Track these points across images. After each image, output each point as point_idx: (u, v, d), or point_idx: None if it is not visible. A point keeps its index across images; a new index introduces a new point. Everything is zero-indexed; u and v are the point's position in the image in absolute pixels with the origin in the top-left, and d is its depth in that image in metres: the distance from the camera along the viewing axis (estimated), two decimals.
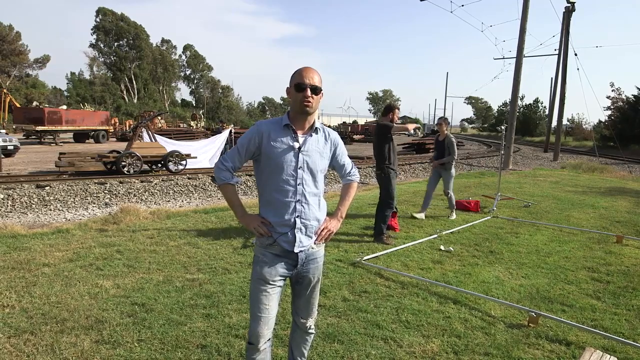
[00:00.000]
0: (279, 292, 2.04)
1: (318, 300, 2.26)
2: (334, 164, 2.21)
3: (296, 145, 1.97)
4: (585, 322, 3.37)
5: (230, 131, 15.39)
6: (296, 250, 1.99)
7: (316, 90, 1.95)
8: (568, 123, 45.91)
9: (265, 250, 2.00)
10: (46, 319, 3.19)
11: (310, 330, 2.27)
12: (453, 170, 7.03)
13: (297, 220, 1.98)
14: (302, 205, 1.98)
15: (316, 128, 2.05)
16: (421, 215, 6.93)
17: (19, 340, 2.89)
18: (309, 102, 1.93)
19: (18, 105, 32.49)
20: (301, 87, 1.93)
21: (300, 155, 1.97)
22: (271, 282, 1.98)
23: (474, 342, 3.01)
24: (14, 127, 26.89)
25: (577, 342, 3.03)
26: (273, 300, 2.00)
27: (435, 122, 7.07)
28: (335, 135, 2.17)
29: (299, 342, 2.31)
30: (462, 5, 30.31)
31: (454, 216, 7.11)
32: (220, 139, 15.23)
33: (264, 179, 2.01)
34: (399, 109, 5.85)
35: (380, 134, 5.55)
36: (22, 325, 3.08)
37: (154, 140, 13.27)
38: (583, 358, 2.61)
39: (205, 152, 14.43)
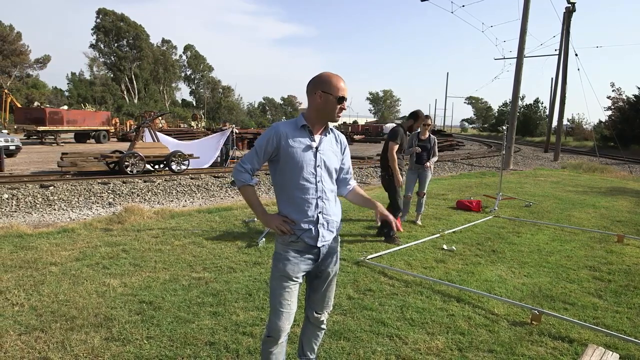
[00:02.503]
0: (299, 288, 2.11)
1: (334, 295, 2.32)
2: (341, 165, 2.24)
3: (314, 144, 2.06)
4: (587, 320, 3.41)
5: (232, 131, 15.41)
6: (319, 244, 2.06)
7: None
8: (568, 123, 46.01)
9: (288, 247, 2.06)
10: (55, 316, 3.23)
11: (322, 326, 2.34)
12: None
13: (320, 216, 2.05)
14: (323, 201, 2.06)
15: (329, 129, 2.15)
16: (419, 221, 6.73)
17: (29, 337, 2.93)
18: (341, 113, 2.08)
19: (19, 106, 32.57)
20: (342, 100, 2.04)
21: (318, 154, 2.06)
22: (294, 279, 2.05)
23: (478, 339, 3.05)
24: (15, 127, 26.93)
25: (579, 340, 3.07)
26: (294, 296, 2.08)
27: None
28: (343, 138, 2.27)
29: (310, 338, 2.37)
30: (463, 6, 30.36)
31: (419, 222, 6.63)
32: (215, 139, 15.20)
33: (284, 178, 2.07)
34: (423, 118, 5.78)
35: (390, 135, 5.52)
36: (32, 323, 3.12)
37: (156, 140, 13.30)
38: (586, 354, 2.66)
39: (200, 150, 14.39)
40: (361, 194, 2.30)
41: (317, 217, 2.05)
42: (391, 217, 2.13)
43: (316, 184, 2.05)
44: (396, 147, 5.38)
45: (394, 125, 5.58)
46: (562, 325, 3.28)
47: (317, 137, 2.09)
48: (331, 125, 2.19)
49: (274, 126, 2.10)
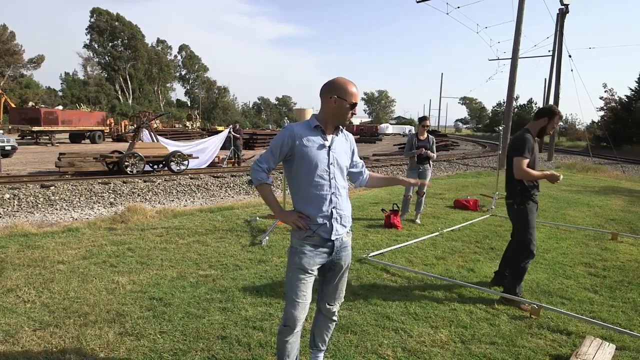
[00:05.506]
0: (313, 280, 2.22)
1: (345, 286, 2.42)
2: (351, 162, 2.39)
3: (327, 143, 2.18)
4: (584, 313, 3.53)
5: (230, 130, 15.48)
6: (333, 237, 2.17)
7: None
8: (562, 123, 46.48)
9: (304, 241, 2.17)
10: (68, 313, 3.30)
11: (334, 317, 2.43)
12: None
13: (334, 210, 2.17)
14: (336, 197, 2.18)
15: (340, 129, 2.26)
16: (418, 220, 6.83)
17: (44, 333, 3.00)
18: (351, 117, 2.20)
19: (13, 106, 32.36)
20: (354, 106, 2.17)
21: (330, 152, 2.18)
22: (310, 271, 2.16)
23: (480, 332, 3.17)
24: (9, 127, 26.80)
25: (577, 332, 3.20)
26: (310, 288, 2.19)
27: (419, 123, 6.93)
28: (352, 137, 2.41)
29: (321, 329, 2.46)
30: (458, 7, 30.60)
31: (419, 221, 6.75)
32: (217, 139, 15.33)
33: (300, 176, 2.17)
34: (560, 115, 3.89)
35: (515, 148, 3.69)
36: (45, 319, 3.19)
37: (155, 141, 13.34)
38: (584, 345, 2.79)
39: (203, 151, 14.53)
40: (378, 176, 2.54)
41: (331, 212, 2.16)
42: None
43: (330, 181, 2.16)
44: (525, 162, 3.63)
45: (521, 131, 3.80)
46: (560, 319, 3.41)
47: (329, 136, 2.21)
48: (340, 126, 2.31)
49: (288, 127, 2.21)
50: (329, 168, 2.16)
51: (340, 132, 2.26)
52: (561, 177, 3.71)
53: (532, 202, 3.72)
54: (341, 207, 2.20)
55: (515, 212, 3.77)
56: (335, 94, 2.15)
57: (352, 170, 2.41)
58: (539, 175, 3.66)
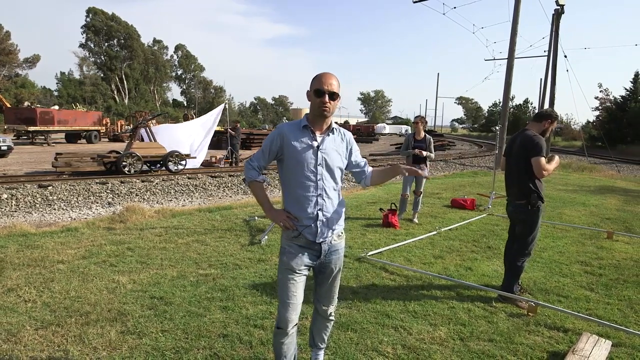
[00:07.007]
0: (305, 280, 2.21)
1: (338, 289, 2.43)
2: (350, 162, 2.33)
3: (315, 144, 2.14)
4: (580, 311, 3.58)
5: (227, 130, 15.46)
6: (318, 240, 2.16)
7: (333, 96, 2.11)
8: (557, 123, 46.71)
9: (291, 242, 2.17)
10: (69, 312, 3.32)
11: (330, 317, 2.45)
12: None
13: (319, 213, 2.15)
14: (323, 199, 2.15)
15: (333, 129, 2.21)
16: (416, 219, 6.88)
17: (46, 332, 3.02)
18: (327, 107, 2.09)
19: (9, 105, 32.14)
20: (320, 93, 2.08)
21: (319, 153, 2.14)
22: (297, 271, 2.15)
23: (478, 329, 3.21)
24: (5, 127, 26.66)
25: (573, 329, 3.24)
26: (300, 288, 2.17)
27: (412, 121, 7.02)
28: (350, 135, 2.34)
29: (320, 329, 2.49)
30: (454, 7, 30.66)
31: (416, 220, 6.80)
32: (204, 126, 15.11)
33: (288, 176, 2.18)
34: (558, 119, 4.07)
35: (526, 149, 3.71)
36: (47, 318, 3.21)
37: (153, 141, 13.33)
38: (581, 342, 2.83)
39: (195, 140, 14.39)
40: (378, 171, 2.41)
41: (317, 214, 2.14)
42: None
43: (316, 182, 2.13)
44: (544, 160, 3.66)
45: (529, 132, 3.82)
46: (557, 316, 3.46)
47: (319, 136, 2.16)
48: (335, 125, 2.23)
49: (278, 127, 2.22)
50: (315, 169, 2.13)
51: (334, 131, 2.21)
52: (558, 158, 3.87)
53: (542, 202, 3.75)
54: (328, 209, 2.17)
55: (528, 212, 3.76)
56: (309, 88, 2.15)
57: (354, 170, 2.36)
58: (554, 166, 3.74)
